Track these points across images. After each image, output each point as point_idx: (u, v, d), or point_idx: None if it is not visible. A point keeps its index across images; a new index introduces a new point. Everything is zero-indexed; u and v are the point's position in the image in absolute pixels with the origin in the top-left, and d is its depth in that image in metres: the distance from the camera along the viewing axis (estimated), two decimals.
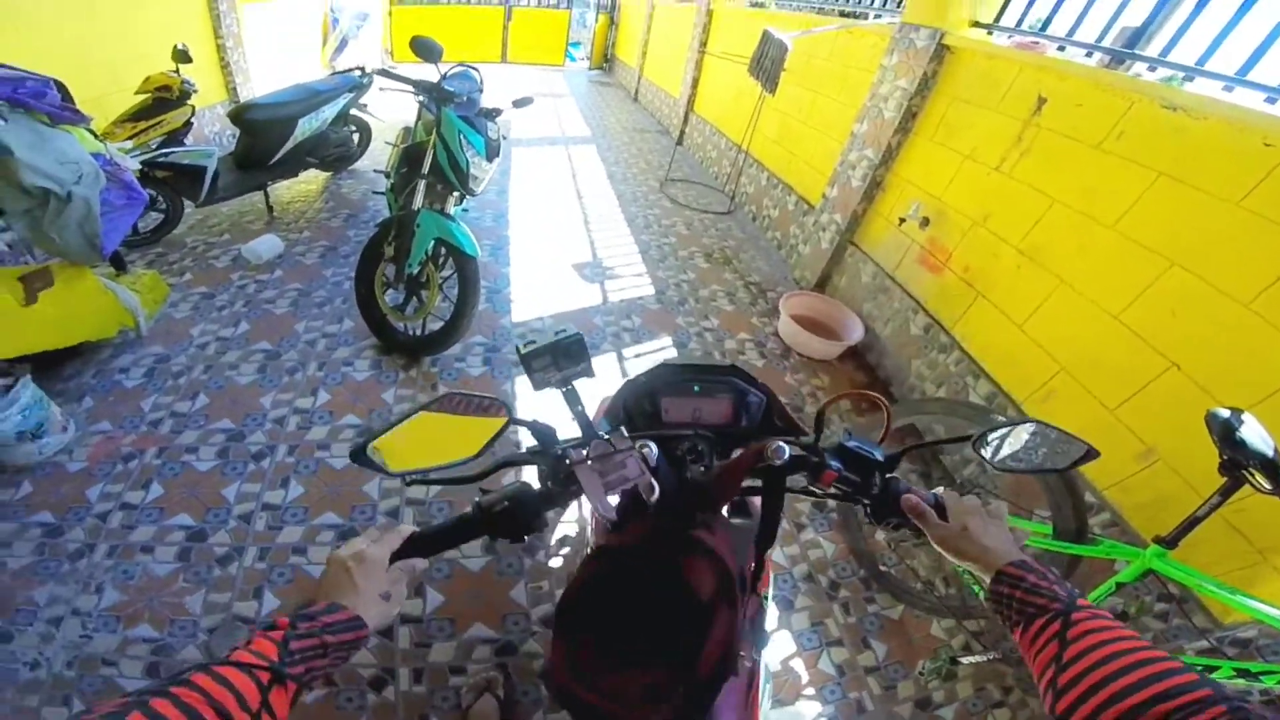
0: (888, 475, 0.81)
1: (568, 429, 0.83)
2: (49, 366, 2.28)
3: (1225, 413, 1.19)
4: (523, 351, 0.78)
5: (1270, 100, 1.60)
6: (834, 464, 0.80)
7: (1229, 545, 1.53)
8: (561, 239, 4.05)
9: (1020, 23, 2.46)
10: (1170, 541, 1.31)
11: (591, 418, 0.84)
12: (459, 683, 1.59)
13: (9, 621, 1.59)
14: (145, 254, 3.22)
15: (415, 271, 2.45)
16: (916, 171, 2.84)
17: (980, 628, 1.91)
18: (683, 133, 6.25)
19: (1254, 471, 1.14)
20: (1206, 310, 1.64)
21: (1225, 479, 1.20)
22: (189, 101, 3.20)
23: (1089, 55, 2.15)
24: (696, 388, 0.91)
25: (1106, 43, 2.10)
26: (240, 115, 3.26)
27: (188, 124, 3.21)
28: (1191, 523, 1.28)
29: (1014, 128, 2.28)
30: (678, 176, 5.40)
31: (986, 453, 0.82)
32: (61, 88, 1.97)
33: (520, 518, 0.74)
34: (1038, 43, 2.34)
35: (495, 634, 1.71)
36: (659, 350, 2.97)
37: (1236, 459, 1.15)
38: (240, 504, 1.95)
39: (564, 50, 10.82)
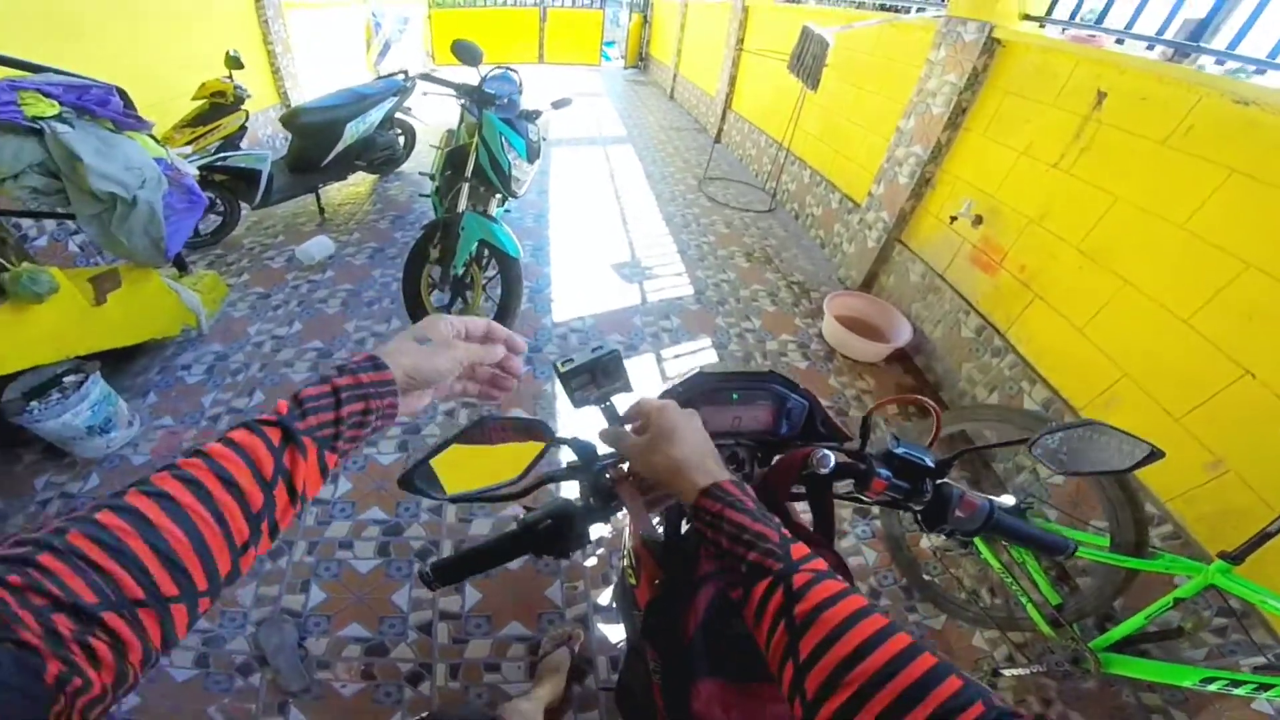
0: (938, 481, 0.78)
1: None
2: (117, 364, 2.39)
3: None
4: (561, 370, 0.78)
5: None
6: (883, 472, 0.77)
7: None
8: (600, 239, 4.05)
9: (1074, 15, 2.37)
10: (1237, 558, 1.25)
11: None
12: (493, 680, 1.62)
13: None
14: (206, 255, 3.36)
15: (460, 273, 2.50)
16: (968, 168, 2.76)
17: (1025, 640, 1.84)
18: (720, 130, 6.20)
19: None
20: None
21: None
22: (243, 106, 3.31)
23: (1150, 49, 2.06)
24: (735, 395, 0.89)
25: (1168, 35, 2.01)
26: (292, 120, 3.37)
27: (242, 128, 3.33)
28: (1262, 539, 1.22)
29: (1073, 123, 2.19)
30: (716, 174, 5.35)
31: (1043, 456, 0.79)
32: (123, 95, 2.03)
33: (564, 535, 0.75)
34: (1094, 36, 2.25)
35: (530, 632, 1.73)
36: (698, 351, 2.95)
37: None
38: None
39: (599, 50, 10.87)
